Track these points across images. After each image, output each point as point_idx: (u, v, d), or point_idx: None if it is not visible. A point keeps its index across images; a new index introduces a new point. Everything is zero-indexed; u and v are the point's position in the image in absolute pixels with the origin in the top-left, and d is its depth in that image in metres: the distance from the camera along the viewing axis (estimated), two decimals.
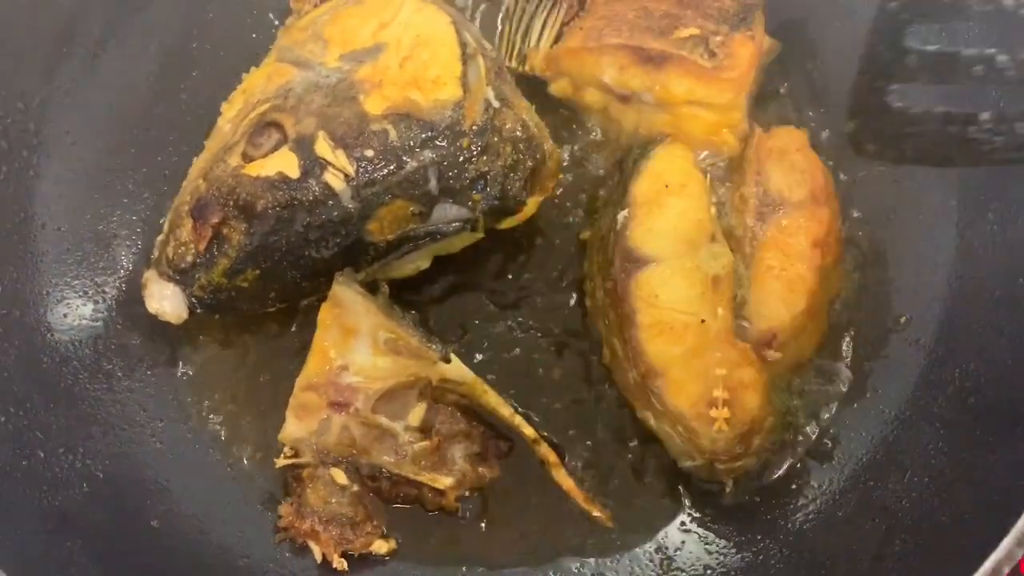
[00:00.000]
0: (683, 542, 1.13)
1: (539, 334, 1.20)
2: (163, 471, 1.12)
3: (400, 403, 1.10)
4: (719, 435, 1.04)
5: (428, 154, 1.04)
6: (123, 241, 1.21)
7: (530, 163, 1.09)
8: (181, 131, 1.24)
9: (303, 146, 1.04)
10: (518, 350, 1.20)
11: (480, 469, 1.12)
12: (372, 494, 1.11)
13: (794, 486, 1.13)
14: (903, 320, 1.17)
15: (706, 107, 1.19)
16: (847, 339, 1.19)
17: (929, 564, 0.95)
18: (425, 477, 1.09)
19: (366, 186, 1.03)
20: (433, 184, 1.05)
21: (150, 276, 1.11)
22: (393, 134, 1.04)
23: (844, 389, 1.17)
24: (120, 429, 1.12)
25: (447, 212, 1.08)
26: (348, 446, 1.08)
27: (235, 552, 1.11)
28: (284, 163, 1.04)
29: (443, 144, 1.04)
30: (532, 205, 1.12)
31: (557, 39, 1.27)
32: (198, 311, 1.11)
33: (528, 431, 1.11)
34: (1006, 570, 0.85)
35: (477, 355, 1.19)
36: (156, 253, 1.12)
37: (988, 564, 0.86)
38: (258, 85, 1.12)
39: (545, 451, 1.12)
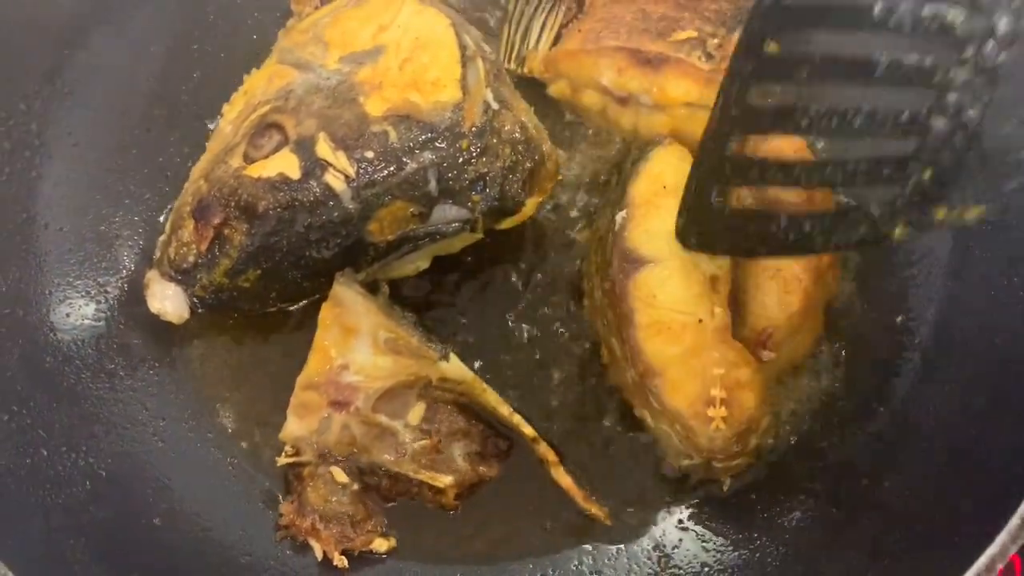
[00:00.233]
0: (680, 540, 1.14)
1: (538, 334, 1.21)
2: (165, 470, 1.13)
3: (400, 402, 1.10)
4: (716, 434, 1.04)
5: (428, 155, 1.04)
6: (125, 241, 1.21)
7: (529, 164, 1.09)
8: (182, 132, 1.25)
9: (304, 147, 1.04)
10: (517, 349, 1.21)
11: (479, 468, 1.13)
12: (372, 492, 1.12)
13: (790, 484, 1.14)
14: (899, 320, 1.18)
15: (703, 109, 1.19)
16: (843, 339, 1.19)
17: (924, 561, 0.96)
18: (425, 475, 1.10)
19: (366, 187, 1.04)
20: (433, 185, 1.05)
21: (152, 276, 1.12)
22: (393, 136, 1.04)
23: (839, 389, 1.17)
24: (122, 428, 1.13)
25: (447, 213, 1.08)
26: (348, 445, 1.09)
27: (237, 550, 1.11)
28: (285, 164, 1.04)
29: (443, 145, 1.04)
30: (531, 206, 1.13)
31: (555, 41, 1.28)
32: (199, 311, 1.12)
33: (527, 430, 1.12)
34: (1000, 566, 0.86)
35: (476, 354, 1.19)
36: (158, 253, 1.13)
37: (983, 560, 0.86)
38: (259, 87, 1.13)
39: (544, 450, 1.12)
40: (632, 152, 1.20)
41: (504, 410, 1.12)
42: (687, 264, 1.07)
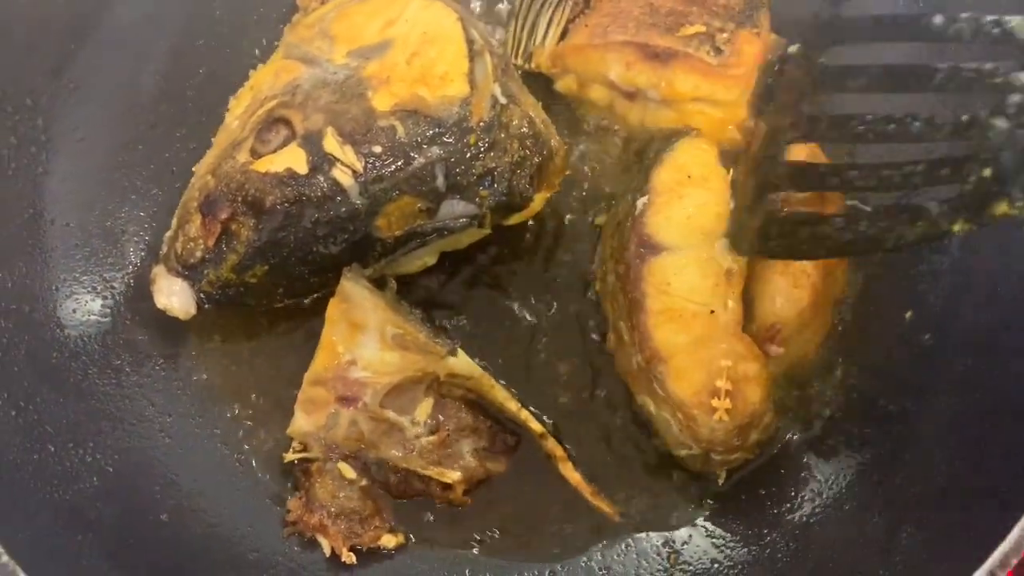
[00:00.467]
0: (690, 536, 1.14)
1: (546, 329, 1.21)
2: (172, 466, 1.12)
3: (408, 398, 1.10)
4: (718, 425, 1.04)
5: (436, 150, 1.04)
6: (131, 237, 1.21)
7: (537, 159, 1.09)
8: (189, 127, 1.24)
9: (311, 142, 1.04)
10: (525, 345, 1.20)
11: (487, 463, 1.13)
12: (380, 488, 1.12)
13: (800, 481, 1.14)
14: (907, 316, 1.17)
15: (712, 104, 1.19)
16: (850, 336, 1.19)
17: (936, 556, 0.95)
18: (433, 471, 1.09)
19: (374, 182, 1.04)
20: (440, 180, 1.05)
21: (159, 272, 1.11)
22: (401, 130, 1.04)
23: (848, 384, 1.17)
24: (129, 424, 1.13)
25: (454, 208, 1.08)
26: (356, 440, 1.08)
27: (244, 546, 1.11)
28: (292, 159, 1.04)
29: (450, 140, 1.04)
30: (539, 201, 1.12)
31: (563, 36, 1.28)
32: (206, 306, 1.11)
33: (535, 426, 1.12)
34: (1014, 561, 0.86)
35: (484, 350, 1.19)
36: (165, 249, 1.12)
37: (995, 556, 0.86)
38: (266, 82, 1.13)
39: (552, 445, 1.12)
40: (656, 141, 1.20)
41: (512, 406, 1.11)
42: (703, 255, 1.07)
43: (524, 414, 1.12)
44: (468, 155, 1.05)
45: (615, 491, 1.15)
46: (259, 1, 1.31)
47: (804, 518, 1.11)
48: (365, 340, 1.08)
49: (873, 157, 0.92)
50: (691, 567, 1.12)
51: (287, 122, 1.07)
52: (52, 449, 1.05)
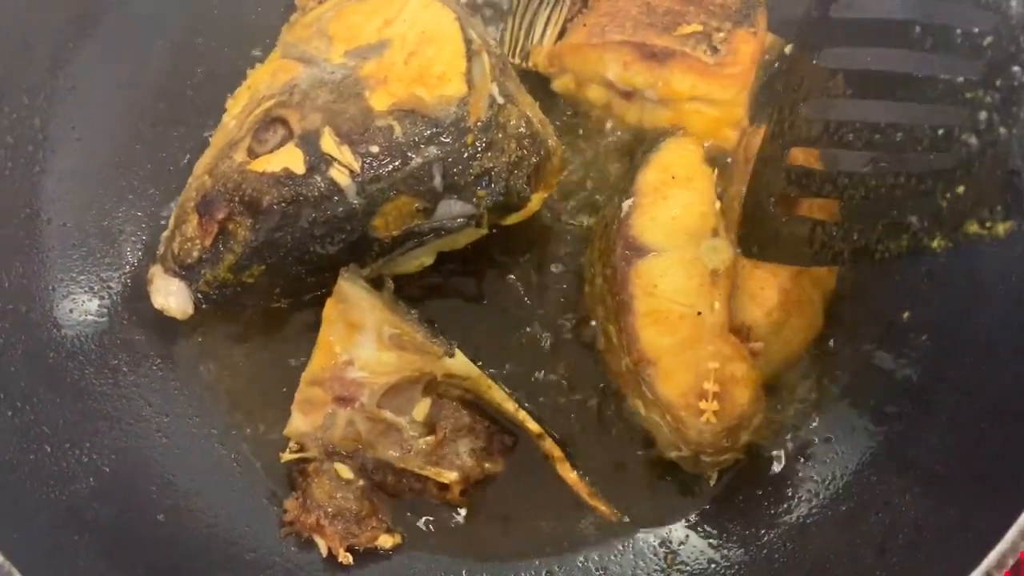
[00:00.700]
0: (687, 536, 1.14)
1: (542, 329, 1.21)
2: (169, 466, 1.12)
3: (405, 398, 1.10)
4: (706, 427, 1.04)
5: (433, 150, 1.04)
6: (129, 237, 1.21)
7: (534, 159, 1.09)
8: (186, 127, 1.25)
9: (308, 142, 1.04)
10: (522, 345, 1.20)
11: (485, 464, 1.12)
12: (377, 488, 1.11)
13: (797, 481, 1.13)
14: (905, 316, 1.17)
15: (709, 103, 1.19)
16: (847, 335, 1.19)
17: (933, 557, 0.95)
18: (430, 471, 1.09)
19: (371, 182, 1.03)
20: (438, 180, 1.05)
21: (156, 271, 1.11)
22: (398, 130, 1.04)
23: (843, 384, 1.17)
24: (126, 424, 1.13)
25: (452, 208, 1.08)
26: (353, 440, 1.08)
27: (241, 546, 1.11)
28: (290, 159, 1.04)
29: (448, 140, 1.04)
30: (536, 201, 1.12)
31: (560, 36, 1.28)
32: (203, 306, 1.12)
33: (532, 426, 1.12)
34: (1010, 562, 0.86)
35: (481, 350, 1.19)
36: (162, 249, 1.12)
37: (992, 557, 0.86)
38: (263, 81, 1.13)
39: (549, 446, 1.12)
40: (645, 142, 1.20)
41: (509, 406, 1.11)
42: (689, 256, 1.07)
43: (522, 414, 1.11)
44: (465, 155, 1.05)
45: (612, 491, 1.14)
46: (258, 1, 1.31)
47: (801, 519, 1.11)
48: (362, 340, 1.08)
49: (859, 165, 0.94)
50: (688, 567, 1.12)
51: (284, 122, 1.07)
52: (49, 449, 1.04)
